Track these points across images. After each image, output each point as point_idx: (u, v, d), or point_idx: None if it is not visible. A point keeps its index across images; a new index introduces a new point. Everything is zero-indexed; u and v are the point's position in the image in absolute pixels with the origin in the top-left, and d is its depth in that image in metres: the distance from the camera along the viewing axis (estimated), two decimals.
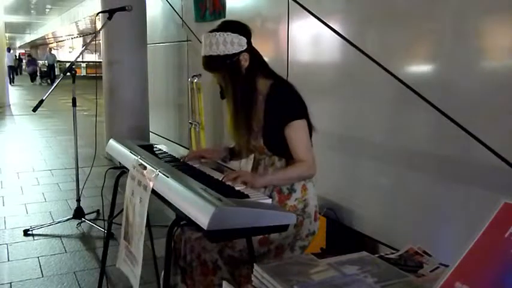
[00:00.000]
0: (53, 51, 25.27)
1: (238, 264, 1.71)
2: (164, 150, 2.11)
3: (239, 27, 1.75)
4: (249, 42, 1.76)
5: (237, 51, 1.71)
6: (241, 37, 1.73)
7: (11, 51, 24.07)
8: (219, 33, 1.70)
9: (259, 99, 1.78)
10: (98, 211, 3.91)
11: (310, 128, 1.78)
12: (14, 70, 22.30)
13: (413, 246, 1.25)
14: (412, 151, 2.65)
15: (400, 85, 2.62)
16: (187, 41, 5.56)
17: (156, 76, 6.37)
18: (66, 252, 3.22)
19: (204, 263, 1.70)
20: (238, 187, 1.54)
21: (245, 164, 2.06)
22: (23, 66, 25.51)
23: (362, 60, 2.85)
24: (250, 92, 1.76)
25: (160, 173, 1.51)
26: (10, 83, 20.17)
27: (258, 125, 1.79)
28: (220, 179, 1.62)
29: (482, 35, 2.30)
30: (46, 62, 21.71)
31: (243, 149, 1.92)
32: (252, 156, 1.95)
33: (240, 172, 1.66)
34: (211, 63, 1.73)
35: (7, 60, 20.97)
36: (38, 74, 22.26)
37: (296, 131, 1.72)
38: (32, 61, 22.92)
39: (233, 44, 1.70)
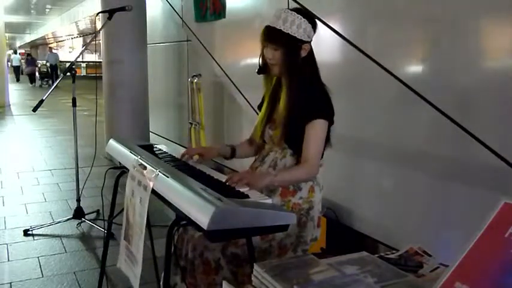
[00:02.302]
0: (54, 51, 24.89)
1: (241, 263, 1.70)
2: (164, 150, 2.10)
3: (314, 22, 1.79)
4: (312, 39, 1.79)
5: (303, 39, 1.75)
6: (312, 31, 1.77)
7: (18, 52, 24.72)
8: (298, 15, 1.73)
9: None
10: (98, 211, 3.91)
11: (328, 139, 1.80)
12: (19, 70, 22.80)
13: (413, 246, 1.25)
14: (411, 151, 2.65)
15: (400, 85, 2.62)
16: (187, 41, 5.55)
17: (156, 76, 6.37)
18: (66, 252, 3.22)
19: (206, 261, 1.70)
20: (241, 189, 1.54)
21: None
22: (21, 67, 24.96)
23: (362, 60, 2.85)
24: (301, 80, 1.78)
25: (160, 173, 1.51)
26: (18, 81, 21.42)
27: (280, 115, 1.80)
28: (223, 181, 1.60)
29: (481, 35, 2.30)
30: (47, 62, 20.40)
31: (258, 134, 1.91)
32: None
33: (242, 174, 1.64)
34: (276, 37, 1.73)
35: (13, 61, 22.12)
36: (37, 75, 21.07)
37: (315, 129, 1.73)
38: (31, 61, 21.54)
39: (305, 31, 1.74)
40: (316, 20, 1.84)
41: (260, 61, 1.83)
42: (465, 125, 2.28)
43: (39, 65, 21.84)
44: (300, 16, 1.73)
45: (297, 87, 1.77)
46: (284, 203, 1.78)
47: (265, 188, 1.75)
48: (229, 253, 1.71)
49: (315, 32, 1.80)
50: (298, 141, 1.75)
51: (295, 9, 1.78)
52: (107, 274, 2.42)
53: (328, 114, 1.77)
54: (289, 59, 1.75)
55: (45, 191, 4.66)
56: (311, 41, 1.79)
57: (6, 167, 5.66)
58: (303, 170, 1.73)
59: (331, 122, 1.78)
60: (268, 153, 1.88)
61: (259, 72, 1.86)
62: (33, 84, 20.63)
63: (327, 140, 1.80)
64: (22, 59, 26.40)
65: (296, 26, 1.72)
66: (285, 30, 1.71)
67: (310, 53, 1.80)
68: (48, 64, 20.34)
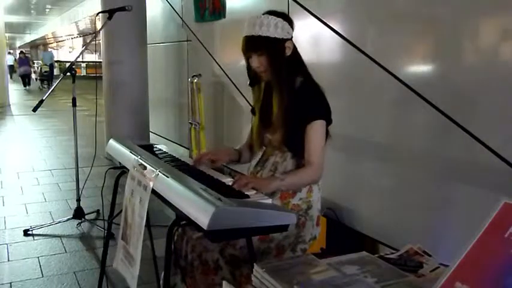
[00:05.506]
0: (53, 51, 24.67)
1: (239, 263, 1.71)
2: (164, 150, 2.10)
3: (288, 18, 1.77)
4: (292, 36, 1.77)
5: (285, 37, 1.72)
6: (290, 28, 1.75)
7: (12, 53, 24.84)
8: (271, 16, 1.70)
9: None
10: (98, 211, 3.91)
11: (327, 134, 1.79)
12: (12, 68, 22.63)
13: (413, 246, 1.25)
14: (412, 151, 2.65)
15: (400, 85, 2.62)
16: (187, 41, 5.56)
17: (156, 76, 6.37)
18: (66, 252, 3.22)
19: (205, 262, 1.70)
20: (248, 192, 1.52)
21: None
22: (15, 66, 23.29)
23: (362, 60, 2.85)
24: (291, 80, 1.76)
25: (160, 173, 1.51)
26: (10, 78, 20.38)
27: (277, 119, 1.78)
28: (230, 185, 1.57)
29: (482, 35, 2.30)
30: (44, 61, 18.97)
31: (257, 142, 1.90)
32: (258, 157, 1.94)
33: (249, 178, 1.63)
34: (257, 43, 1.70)
35: (8, 60, 22.23)
36: (36, 76, 19.47)
37: (315, 130, 1.72)
38: (24, 60, 18.87)
39: (283, 29, 1.71)
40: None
41: (248, 73, 1.82)
42: (465, 125, 2.28)
43: (37, 66, 20.60)
44: (273, 17, 1.70)
45: (288, 88, 1.75)
46: (283, 205, 1.77)
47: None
48: (228, 254, 1.71)
49: (293, 28, 1.78)
50: (298, 143, 1.74)
51: (267, 12, 1.75)
52: (107, 274, 2.42)
53: (325, 114, 1.76)
54: (276, 61, 1.72)
55: (45, 191, 4.66)
56: (292, 38, 1.77)
57: (6, 167, 5.66)
58: (310, 172, 1.72)
59: (329, 121, 1.77)
60: (269, 157, 1.87)
61: (250, 84, 1.86)
62: (27, 87, 18.52)
63: (326, 137, 1.79)
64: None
65: (273, 27, 1.69)
66: (263, 34, 1.68)
67: (294, 50, 1.79)
68: (46, 63, 18.71)
